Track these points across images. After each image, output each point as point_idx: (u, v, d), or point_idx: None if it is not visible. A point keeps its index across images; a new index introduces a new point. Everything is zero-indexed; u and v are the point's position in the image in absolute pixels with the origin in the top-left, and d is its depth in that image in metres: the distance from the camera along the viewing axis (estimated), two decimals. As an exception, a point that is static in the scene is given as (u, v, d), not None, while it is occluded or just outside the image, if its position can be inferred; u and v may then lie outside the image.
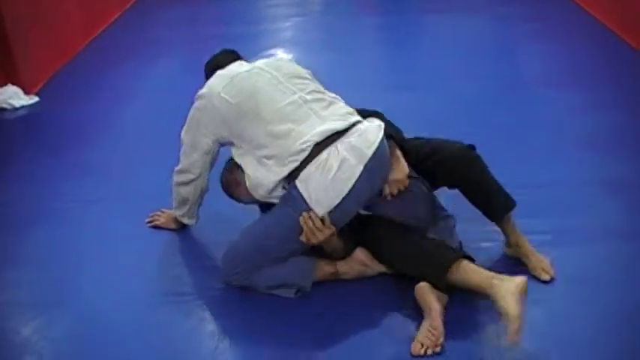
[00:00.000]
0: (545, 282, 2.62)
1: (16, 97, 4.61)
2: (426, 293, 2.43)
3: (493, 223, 2.77)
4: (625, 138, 3.78)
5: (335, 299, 2.61)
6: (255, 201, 2.71)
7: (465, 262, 2.45)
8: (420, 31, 6.15)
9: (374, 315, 2.54)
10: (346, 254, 2.67)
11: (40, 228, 3.22)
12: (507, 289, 2.26)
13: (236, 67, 2.74)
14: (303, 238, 2.49)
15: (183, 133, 2.77)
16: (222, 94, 2.60)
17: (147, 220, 3.16)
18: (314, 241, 2.49)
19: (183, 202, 2.91)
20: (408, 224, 2.61)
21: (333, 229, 2.49)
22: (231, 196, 2.82)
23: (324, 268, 2.65)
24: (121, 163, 3.78)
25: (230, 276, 2.64)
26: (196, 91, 2.77)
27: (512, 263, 2.72)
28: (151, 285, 2.79)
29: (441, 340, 2.31)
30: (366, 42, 5.84)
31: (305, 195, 2.43)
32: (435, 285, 2.44)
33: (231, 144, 2.64)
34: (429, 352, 2.28)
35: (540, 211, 3.04)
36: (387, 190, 2.59)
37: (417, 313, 2.45)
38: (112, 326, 2.56)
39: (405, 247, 2.55)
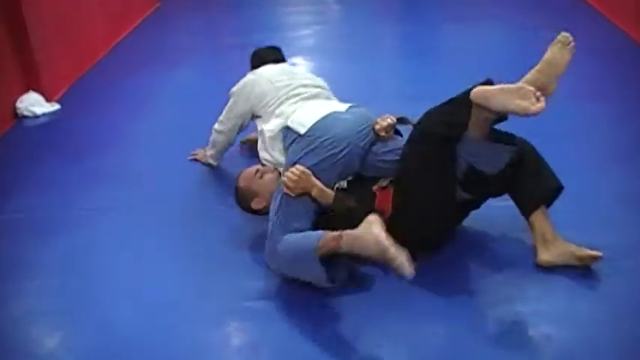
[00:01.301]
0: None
1: (37, 104, 4.61)
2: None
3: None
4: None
5: (360, 322, 2.55)
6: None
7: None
8: (439, 40, 6.10)
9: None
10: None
11: (60, 235, 3.20)
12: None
13: (282, 65, 3.63)
14: (285, 189, 2.73)
15: (233, 90, 3.47)
16: (268, 72, 3.41)
17: (190, 155, 3.77)
18: (293, 185, 2.71)
19: (213, 145, 3.62)
20: None
21: (309, 172, 2.73)
22: (247, 200, 3.01)
23: (330, 234, 2.58)
24: (140, 171, 3.77)
25: (271, 254, 2.69)
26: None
27: (549, 273, 2.68)
28: (174, 296, 2.75)
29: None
30: (385, 51, 5.81)
31: (292, 125, 2.96)
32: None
33: (257, 117, 3.32)
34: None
35: (562, 225, 2.92)
36: (377, 126, 2.91)
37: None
38: (136, 338, 2.52)
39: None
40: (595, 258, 2.65)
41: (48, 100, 4.69)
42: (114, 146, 4.11)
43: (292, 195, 2.72)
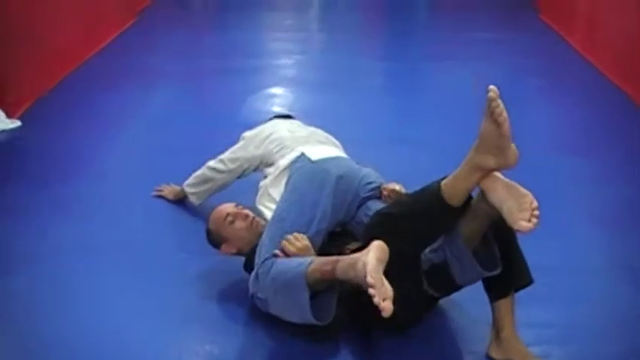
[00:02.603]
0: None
1: (-4, 120, 4.31)
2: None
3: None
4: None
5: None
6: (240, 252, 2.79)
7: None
8: (423, 79, 5.97)
9: None
10: None
11: (17, 278, 2.87)
12: None
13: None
14: (281, 247, 2.52)
15: (246, 134, 3.33)
16: (290, 124, 3.34)
17: (154, 192, 3.52)
18: (291, 248, 2.50)
19: (204, 182, 3.33)
20: None
21: (307, 242, 2.52)
22: (217, 243, 2.86)
23: (323, 261, 2.38)
24: (109, 203, 3.50)
25: (254, 281, 2.50)
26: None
27: None
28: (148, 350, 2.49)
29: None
30: (368, 87, 5.62)
31: (305, 152, 2.90)
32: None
33: (269, 164, 3.11)
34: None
35: (548, 300, 2.75)
36: (384, 185, 2.82)
37: None
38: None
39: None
40: None
41: (9, 116, 4.39)
42: (79, 172, 3.84)
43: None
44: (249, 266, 2.67)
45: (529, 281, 2.50)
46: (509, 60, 6.15)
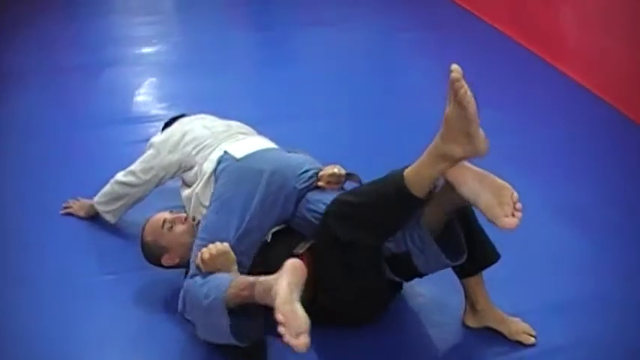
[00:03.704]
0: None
1: None
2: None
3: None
4: (551, 155, 3.69)
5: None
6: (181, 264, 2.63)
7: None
8: (301, 46, 5.78)
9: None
10: None
11: None
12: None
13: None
14: (198, 258, 2.38)
15: (154, 140, 3.04)
16: (202, 120, 3.09)
17: (61, 209, 3.20)
18: (206, 255, 2.34)
19: (116, 199, 3.03)
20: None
21: (227, 247, 2.36)
22: (156, 256, 2.66)
23: (244, 278, 2.29)
24: (15, 229, 3.17)
25: (185, 305, 2.37)
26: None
27: (483, 334, 2.49)
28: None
29: None
30: (241, 62, 5.44)
31: (229, 150, 2.73)
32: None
33: (188, 169, 2.89)
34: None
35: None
36: (321, 173, 2.66)
37: None
38: None
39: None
40: (527, 334, 2.45)
41: None
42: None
43: (202, 270, 2.36)
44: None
45: (496, 258, 2.48)
46: (385, 20, 6.08)
